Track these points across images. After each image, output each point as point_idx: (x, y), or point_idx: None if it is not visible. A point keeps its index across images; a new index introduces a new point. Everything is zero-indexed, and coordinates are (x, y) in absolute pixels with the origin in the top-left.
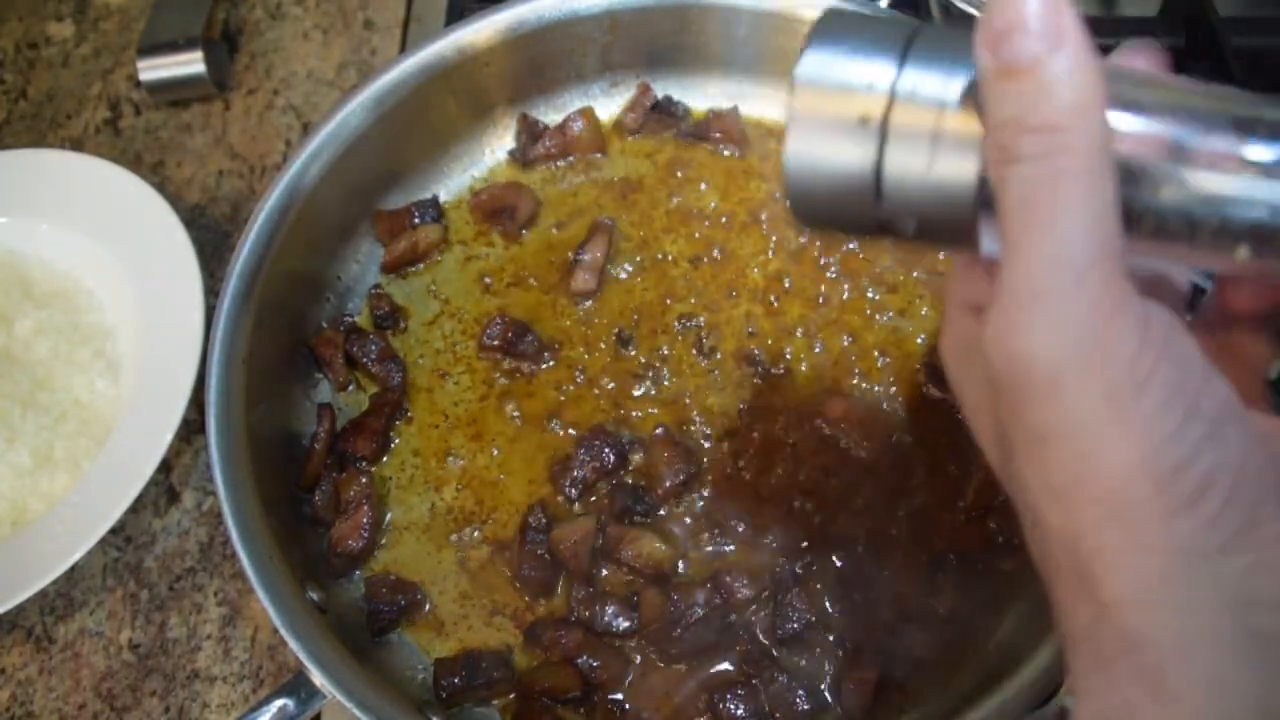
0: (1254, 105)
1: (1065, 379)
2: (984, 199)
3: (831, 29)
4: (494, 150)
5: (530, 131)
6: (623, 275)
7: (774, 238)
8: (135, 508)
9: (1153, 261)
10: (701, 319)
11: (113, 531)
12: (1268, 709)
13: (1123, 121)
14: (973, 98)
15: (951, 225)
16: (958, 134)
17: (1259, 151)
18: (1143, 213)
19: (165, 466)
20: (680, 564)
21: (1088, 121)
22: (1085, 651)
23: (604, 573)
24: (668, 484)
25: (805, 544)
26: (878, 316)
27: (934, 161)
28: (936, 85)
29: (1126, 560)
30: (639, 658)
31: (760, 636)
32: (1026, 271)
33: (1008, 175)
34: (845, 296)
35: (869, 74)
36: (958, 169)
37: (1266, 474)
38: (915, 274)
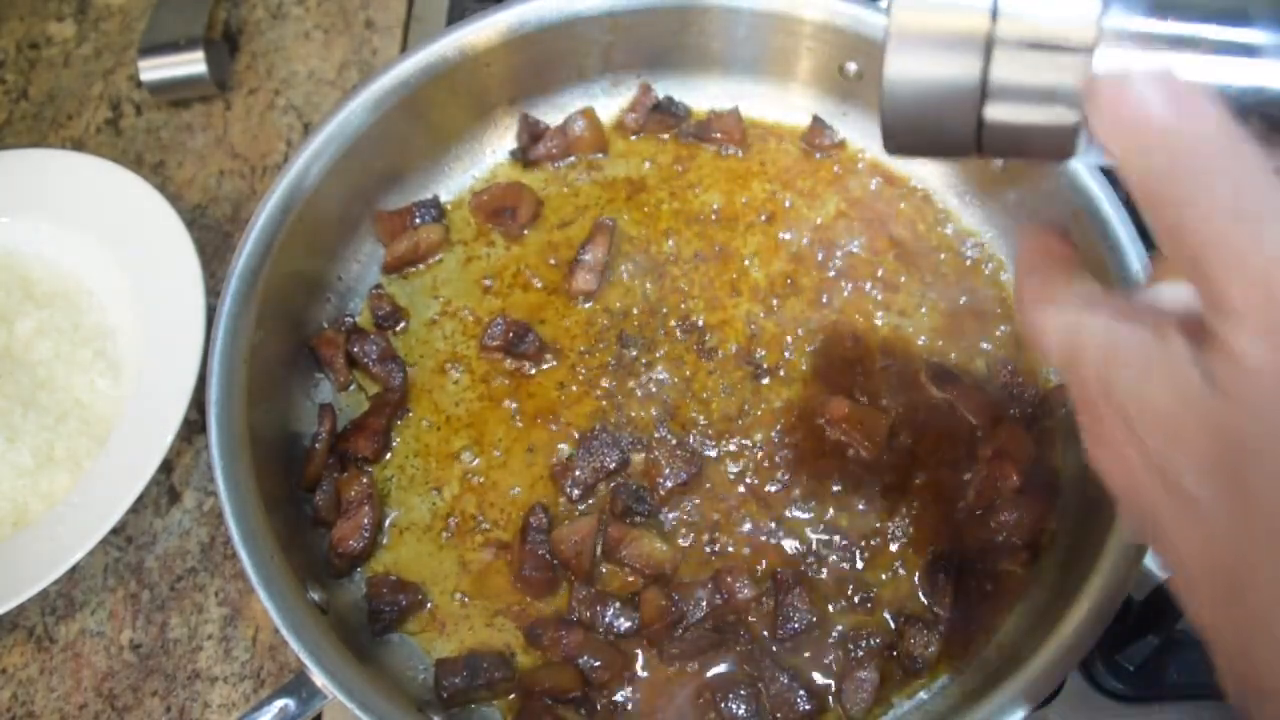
0: None
1: None
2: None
3: None
4: (495, 150)
5: (531, 131)
6: (624, 275)
7: (775, 238)
8: (136, 508)
9: None
10: (702, 319)
11: (114, 531)
12: None
13: None
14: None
15: (1052, 131)
16: (1063, 39)
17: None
18: None
19: (166, 466)
20: (680, 564)
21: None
22: None
23: (605, 573)
24: (669, 484)
25: (806, 544)
26: (878, 316)
27: (1040, 67)
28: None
29: None
30: (640, 658)
31: (760, 636)
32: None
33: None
34: (846, 296)
35: None
36: (1064, 73)
37: None
38: (916, 274)
